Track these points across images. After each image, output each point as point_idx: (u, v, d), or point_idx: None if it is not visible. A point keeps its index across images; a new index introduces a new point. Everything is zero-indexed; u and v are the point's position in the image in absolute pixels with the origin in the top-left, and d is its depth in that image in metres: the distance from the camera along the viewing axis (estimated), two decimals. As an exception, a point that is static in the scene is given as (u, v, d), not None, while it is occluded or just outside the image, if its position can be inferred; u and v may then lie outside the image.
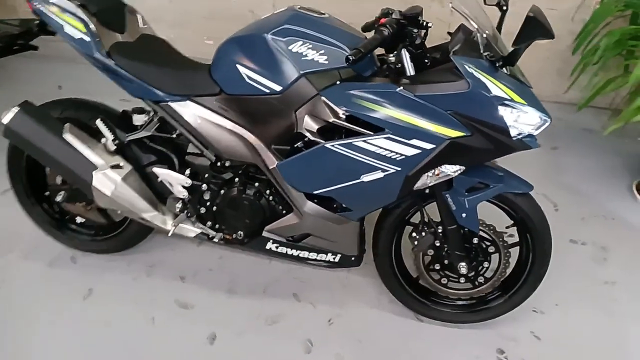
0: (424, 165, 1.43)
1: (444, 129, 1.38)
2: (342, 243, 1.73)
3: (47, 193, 1.89)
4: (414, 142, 1.40)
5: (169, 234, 1.77)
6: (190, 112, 1.63)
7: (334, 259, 1.77)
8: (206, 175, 1.73)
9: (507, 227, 1.72)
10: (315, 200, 1.61)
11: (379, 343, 1.83)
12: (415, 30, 1.39)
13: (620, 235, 2.34)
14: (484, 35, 1.36)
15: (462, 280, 1.75)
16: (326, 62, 1.45)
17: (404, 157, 1.42)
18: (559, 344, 1.84)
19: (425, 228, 1.71)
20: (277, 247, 1.76)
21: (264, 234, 1.73)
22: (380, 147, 1.42)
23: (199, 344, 1.78)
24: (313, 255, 1.76)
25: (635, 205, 2.53)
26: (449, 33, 1.49)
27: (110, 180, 1.66)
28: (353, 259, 1.77)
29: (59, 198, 1.84)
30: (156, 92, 1.62)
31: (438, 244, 1.70)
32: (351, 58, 1.27)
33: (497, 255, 1.72)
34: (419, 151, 1.41)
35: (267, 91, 1.50)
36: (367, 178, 1.48)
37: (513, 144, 1.40)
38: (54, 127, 1.65)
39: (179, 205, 1.79)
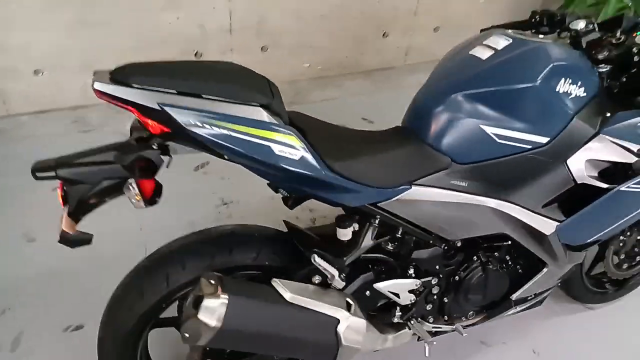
0: None
1: None
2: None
3: None
4: None
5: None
6: (416, 199, 1.21)
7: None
8: (437, 267, 1.34)
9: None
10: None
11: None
12: None
13: None
14: None
15: None
16: (585, 94, 1.22)
17: None
18: None
19: None
20: (518, 309, 1.51)
21: (514, 302, 1.46)
22: None
23: None
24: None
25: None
26: None
27: (357, 330, 1.17)
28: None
29: None
30: (380, 192, 1.16)
31: None
32: None
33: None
34: None
35: (528, 147, 1.20)
36: None
37: None
38: (268, 294, 1.07)
39: (397, 312, 1.38)
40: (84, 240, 0.97)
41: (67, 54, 2.35)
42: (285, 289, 1.09)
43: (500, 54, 1.21)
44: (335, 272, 1.17)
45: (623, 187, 1.25)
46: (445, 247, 1.34)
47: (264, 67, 2.74)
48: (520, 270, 1.46)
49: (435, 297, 1.40)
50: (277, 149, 0.97)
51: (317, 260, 1.15)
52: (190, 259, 1.16)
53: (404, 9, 2.99)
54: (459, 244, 1.35)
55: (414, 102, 1.30)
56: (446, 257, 1.36)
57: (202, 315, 0.96)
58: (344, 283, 1.20)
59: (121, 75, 0.96)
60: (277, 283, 1.10)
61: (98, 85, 0.93)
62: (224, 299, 0.98)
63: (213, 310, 0.97)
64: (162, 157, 1.03)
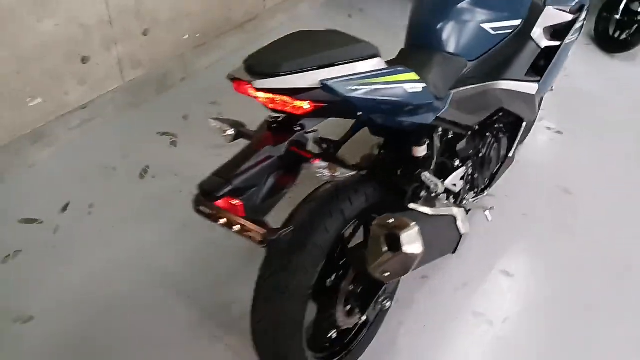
0: None
1: None
2: None
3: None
4: None
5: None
6: (455, 100, 1.47)
7: None
8: (470, 152, 1.65)
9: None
10: None
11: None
12: None
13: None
14: None
15: None
16: None
17: None
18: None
19: None
20: (513, 163, 1.94)
21: (512, 158, 1.86)
22: (582, 20, 1.75)
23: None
24: None
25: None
26: None
27: (465, 219, 1.42)
28: None
29: None
30: (442, 103, 1.37)
31: None
32: None
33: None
34: None
35: (511, 31, 1.54)
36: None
37: None
38: (419, 215, 1.23)
39: (452, 200, 1.66)
40: (288, 233, 1.00)
41: None
42: (423, 207, 1.27)
43: None
44: (439, 182, 1.38)
45: (567, 40, 1.68)
46: (470, 133, 1.64)
47: (149, 50, 2.59)
48: (508, 133, 1.85)
49: (470, 176, 1.71)
50: (408, 87, 1.11)
51: (427, 176, 1.34)
52: (328, 221, 1.23)
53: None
54: (476, 128, 1.66)
55: (417, 22, 1.50)
56: (473, 141, 1.67)
57: (407, 248, 1.06)
58: (445, 188, 1.42)
59: (260, 67, 0.97)
60: (414, 205, 1.27)
61: (258, 83, 0.94)
62: (414, 227, 1.08)
63: (414, 240, 1.07)
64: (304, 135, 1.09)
